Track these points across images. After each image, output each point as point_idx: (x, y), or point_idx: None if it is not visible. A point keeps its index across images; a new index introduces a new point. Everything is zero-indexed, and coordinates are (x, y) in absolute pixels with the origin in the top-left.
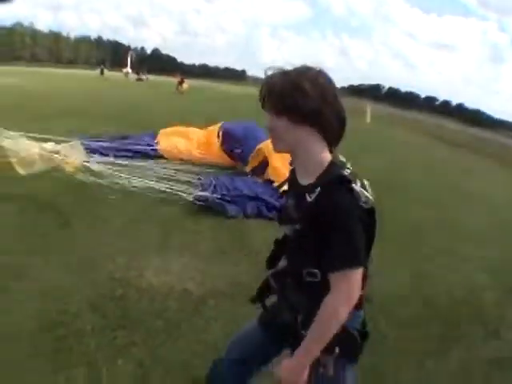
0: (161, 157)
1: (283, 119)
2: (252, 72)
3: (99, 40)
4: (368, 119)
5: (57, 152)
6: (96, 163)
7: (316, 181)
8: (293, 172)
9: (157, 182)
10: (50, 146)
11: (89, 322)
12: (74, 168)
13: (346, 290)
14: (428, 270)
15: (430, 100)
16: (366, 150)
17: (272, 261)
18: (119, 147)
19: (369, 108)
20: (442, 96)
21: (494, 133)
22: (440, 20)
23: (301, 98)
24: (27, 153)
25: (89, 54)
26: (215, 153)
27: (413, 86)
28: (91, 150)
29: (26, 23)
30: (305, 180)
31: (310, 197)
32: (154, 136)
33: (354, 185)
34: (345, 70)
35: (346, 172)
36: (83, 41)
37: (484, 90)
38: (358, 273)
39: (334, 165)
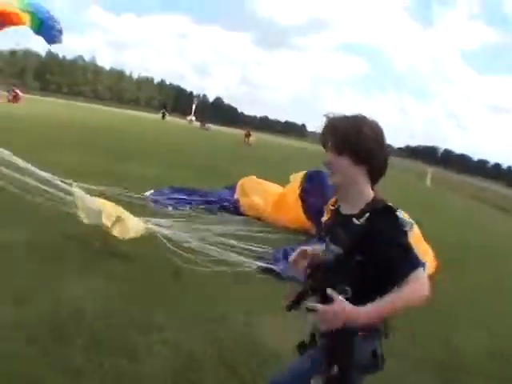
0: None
1: (343, 157)
2: (312, 127)
3: (162, 83)
4: (428, 182)
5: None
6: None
7: (363, 209)
8: (335, 203)
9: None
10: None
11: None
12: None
13: (419, 285)
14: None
15: (482, 163)
16: (428, 211)
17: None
18: (199, 200)
19: (430, 172)
20: (493, 158)
21: None
22: (495, 81)
23: (361, 140)
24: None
25: (150, 96)
26: (293, 215)
27: (465, 147)
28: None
29: (87, 58)
30: (348, 210)
31: (359, 221)
32: (233, 189)
33: (398, 212)
34: (401, 127)
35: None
36: (146, 82)
37: None
38: (423, 271)
39: (378, 197)
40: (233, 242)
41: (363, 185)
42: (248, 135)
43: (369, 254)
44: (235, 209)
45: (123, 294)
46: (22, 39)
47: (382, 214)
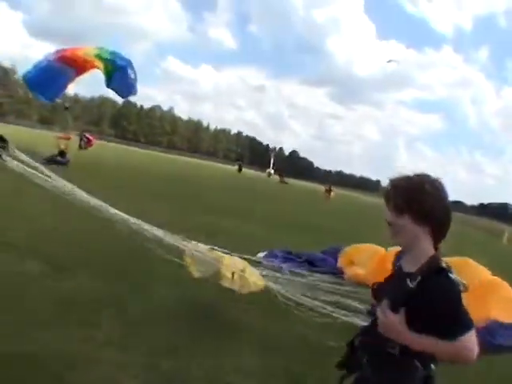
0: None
1: (405, 217)
2: (386, 183)
3: (239, 135)
4: (505, 241)
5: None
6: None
7: (418, 270)
8: (398, 260)
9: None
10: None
11: None
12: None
13: (464, 351)
14: None
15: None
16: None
17: (347, 362)
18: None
19: (507, 231)
20: None
21: None
22: None
23: (422, 199)
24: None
25: (227, 148)
26: None
27: None
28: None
29: (164, 107)
30: (408, 268)
31: (412, 283)
32: (335, 253)
33: (450, 274)
34: (474, 185)
35: (444, 263)
36: (223, 133)
37: None
38: (471, 335)
39: (435, 257)
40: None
41: (425, 244)
42: (329, 190)
43: (418, 313)
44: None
45: None
46: (100, 87)
47: (434, 277)
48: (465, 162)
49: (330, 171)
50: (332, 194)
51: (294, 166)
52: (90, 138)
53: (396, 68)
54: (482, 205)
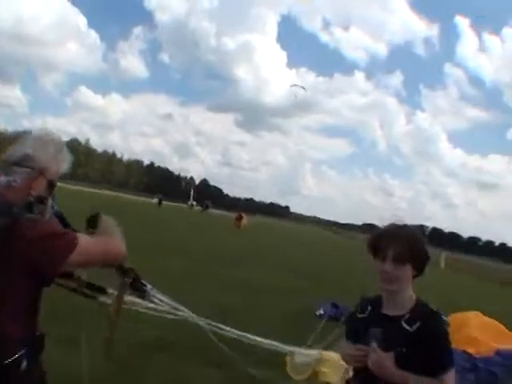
0: None
1: (406, 266)
2: (294, 208)
3: (151, 166)
4: (442, 265)
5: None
6: None
7: (411, 313)
8: (373, 304)
9: None
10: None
11: None
12: None
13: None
14: None
15: (473, 240)
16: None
17: None
18: None
19: (443, 255)
20: (484, 235)
21: None
22: (483, 160)
23: (422, 250)
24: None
25: (139, 179)
26: None
27: (454, 225)
28: None
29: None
30: (393, 312)
31: (411, 327)
32: None
33: (442, 315)
34: (386, 209)
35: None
36: (136, 165)
37: None
38: (453, 371)
39: (420, 300)
40: None
41: (410, 288)
42: (240, 218)
43: (415, 353)
44: None
45: None
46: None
47: (433, 322)
48: (374, 185)
49: (239, 198)
50: (244, 221)
51: (205, 194)
52: None
53: (304, 94)
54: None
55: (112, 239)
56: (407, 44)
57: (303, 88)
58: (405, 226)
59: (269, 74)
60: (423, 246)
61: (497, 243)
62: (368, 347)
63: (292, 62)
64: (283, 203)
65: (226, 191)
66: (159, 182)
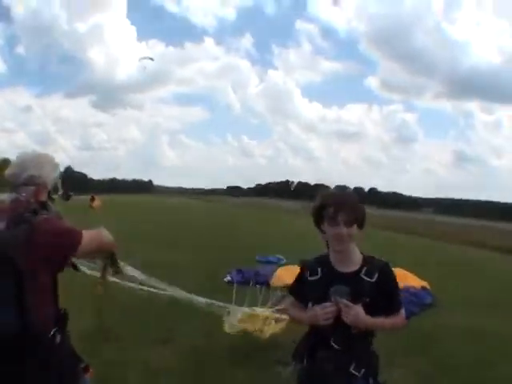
0: None
1: (354, 227)
2: (157, 181)
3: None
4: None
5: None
6: None
7: (366, 266)
8: (323, 265)
9: None
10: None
11: None
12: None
13: (403, 320)
14: None
15: (342, 189)
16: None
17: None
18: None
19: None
20: (352, 183)
21: (411, 211)
22: (341, 110)
23: (363, 210)
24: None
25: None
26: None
27: (320, 178)
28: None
29: None
30: (347, 268)
31: (372, 278)
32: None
33: (389, 264)
34: (247, 169)
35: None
36: (4, 163)
37: (395, 170)
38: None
39: (365, 254)
40: None
41: (355, 245)
42: (92, 199)
43: (378, 298)
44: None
45: None
46: None
47: (387, 271)
48: (233, 147)
49: (103, 180)
50: (96, 202)
51: (70, 181)
52: None
53: (154, 67)
54: (259, 185)
55: (102, 232)
56: (256, 5)
57: (151, 59)
58: (346, 192)
59: (120, 51)
60: (362, 206)
61: (366, 189)
62: (338, 304)
63: (142, 36)
64: (146, 178)
65: (90, 175)
66: None
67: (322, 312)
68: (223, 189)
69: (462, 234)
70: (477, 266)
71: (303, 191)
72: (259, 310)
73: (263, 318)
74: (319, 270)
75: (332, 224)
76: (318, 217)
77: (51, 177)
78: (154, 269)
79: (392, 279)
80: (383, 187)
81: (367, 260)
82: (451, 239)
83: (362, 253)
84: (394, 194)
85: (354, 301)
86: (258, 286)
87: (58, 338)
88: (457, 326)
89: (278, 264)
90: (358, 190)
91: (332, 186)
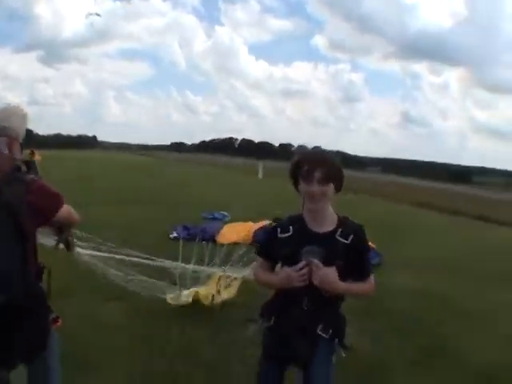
0: None
1: (330, 186)
2: (102, 137)
3: None
4: (260, 175)
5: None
6: None
7: (341, 227)
8: (296, 223)
9: None
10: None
11: None
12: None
13: (373, 286)
14: None
15: (285, 147)
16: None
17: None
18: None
19: (261, 165)
20: (296, 142)
21: (357, 170)
22: (288, 68)
23: (340, 170)
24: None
25: None
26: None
27: (265, 135)
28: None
29: None
30: (321, 228)
31: (347, 240)
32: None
33: (363, 226)
34: (192, 126)
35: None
36: None
37: (340, 130)
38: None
39: (340, 215)
40: None
41: (330, 205)
42: (32, 154)
43: (350, 261)
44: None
45: None
46: None
47: (361, 234)
48: (178, 104)
49: (48, 135)
50: (36, 156)
51: None
52: None
53: (101, 22)
54: (203, 142)
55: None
56: None
57: (98, 15)
58: (322, 152)
59: (67, 6)
60: (340, 167)
61: (310, 147)
62: (310, 264)
63: None
64: (91, 133)
65: (36, 130)
66: None
67: (296, 274)
68: (167, 145)
69: (410, 194)
70: (425, 229)
71: (247, 148)
72: (201, 289)
73: (209, 293)
74: (291, 227)
75: (306, 181)
76: (295, 176)
77: (22, 128)
78: (105, 230)
79: (365, 243)
80: (328, 145)
81: (342, 221)
82: (399, 200)
83: (337, 214)
84: (338, 152)
85: (328, 262)
86: (204, 242)
87: (41, 290)
88: (403, 288)
89: (223, 221)
90: (300, 148)
91: (276, 144)
